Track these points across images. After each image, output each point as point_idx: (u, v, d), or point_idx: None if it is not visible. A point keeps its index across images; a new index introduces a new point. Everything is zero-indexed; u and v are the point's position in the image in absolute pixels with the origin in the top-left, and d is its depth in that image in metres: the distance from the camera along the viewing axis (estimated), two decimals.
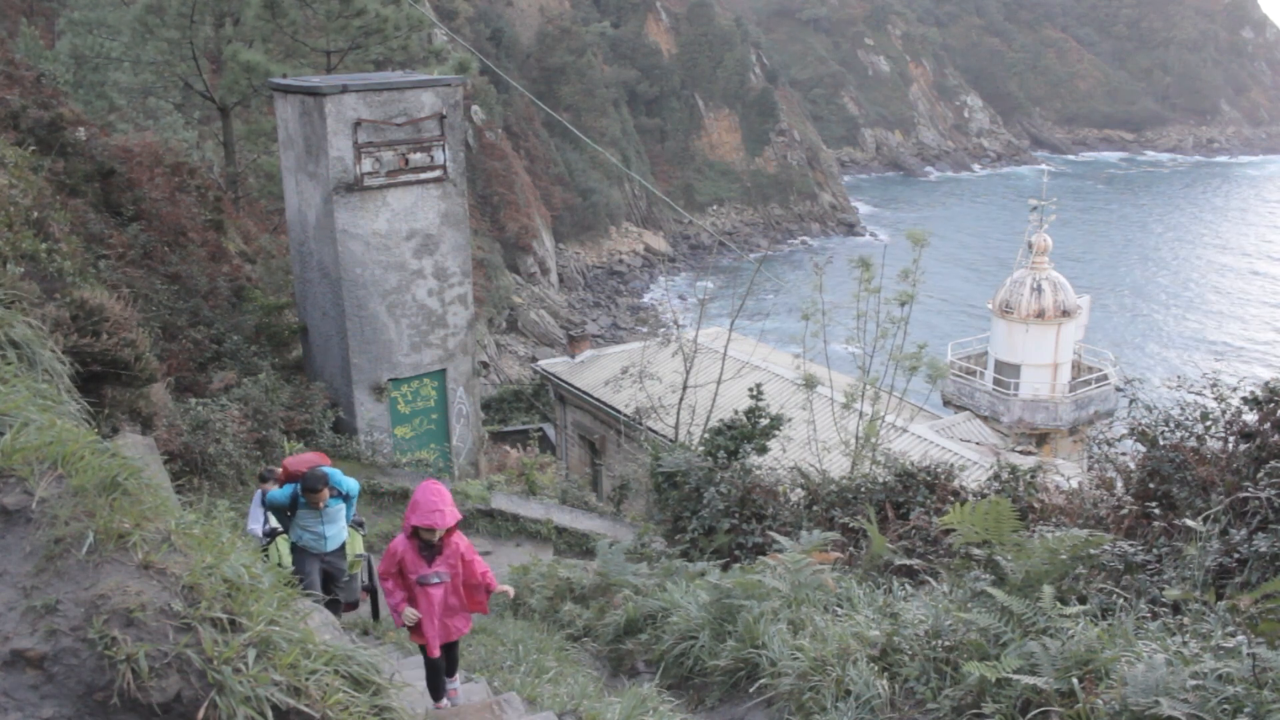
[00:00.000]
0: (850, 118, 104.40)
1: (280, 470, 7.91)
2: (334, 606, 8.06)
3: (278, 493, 7.62)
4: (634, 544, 9.76)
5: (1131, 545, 4.57)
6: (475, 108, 58.27)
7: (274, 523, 8.35)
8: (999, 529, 4.70)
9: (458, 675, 6.04)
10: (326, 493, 7.42)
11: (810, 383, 12.05)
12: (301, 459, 7.69)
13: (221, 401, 11.19)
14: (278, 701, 2.68)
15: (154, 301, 12.33)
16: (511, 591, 6.00)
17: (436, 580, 5.59)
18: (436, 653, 5.68)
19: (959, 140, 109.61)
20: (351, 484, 7.80)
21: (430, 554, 5.57)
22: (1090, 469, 7.35)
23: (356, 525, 8.22)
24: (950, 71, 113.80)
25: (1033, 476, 7.05)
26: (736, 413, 10.24)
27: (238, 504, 9.48)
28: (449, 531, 5.57)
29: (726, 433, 9.99)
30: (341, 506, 7.70)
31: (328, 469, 7.54)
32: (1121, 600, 4.13)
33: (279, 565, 8.08)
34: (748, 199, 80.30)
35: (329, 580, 7.86)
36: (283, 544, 8.30)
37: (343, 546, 7.93)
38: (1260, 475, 4.48)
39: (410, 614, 5.55)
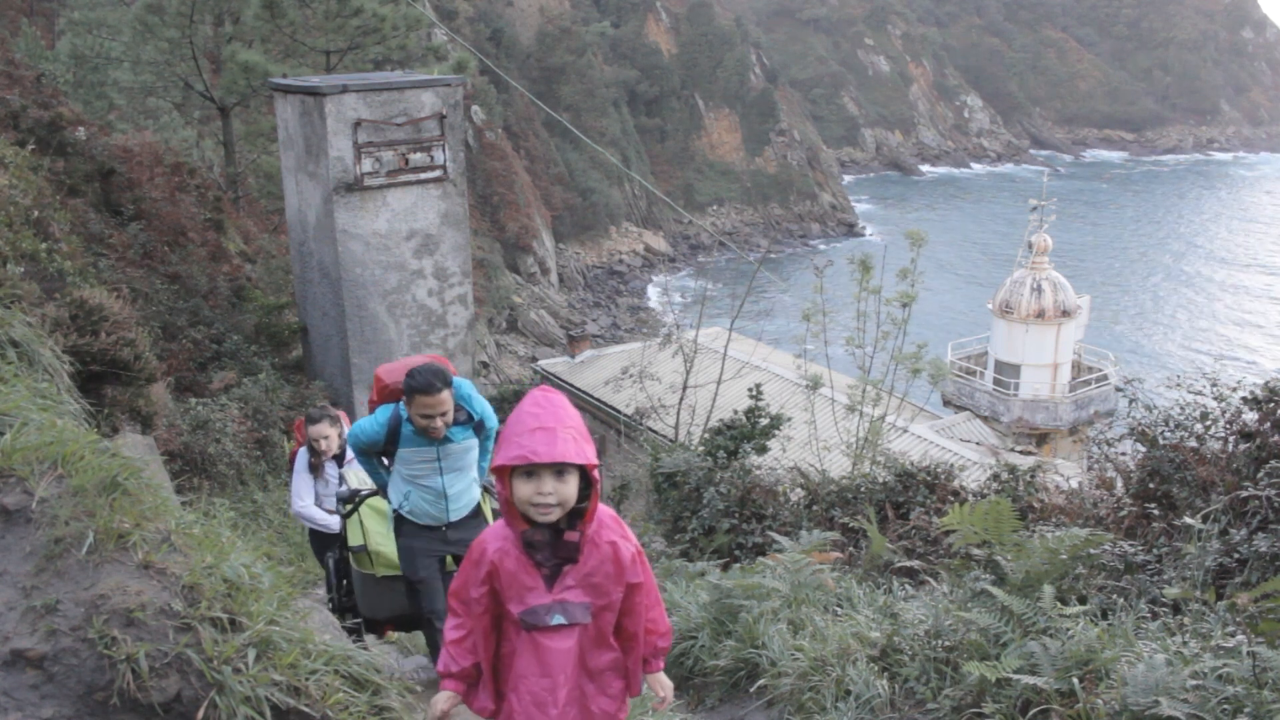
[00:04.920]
0: (850, 118, 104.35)
1: (367, 402, 4.87)
2: (338, 612, 5.44)
3: (366, 422, 4.62)
4: None
5: (1131, 545, 4.57)
6: (475, 108, 58.26)
7: (355, 481, 5.63)
8: (999, 529, 4.70)
9: None
10: (449, 398, 4.33)
11: (815, 384, 12.05)
12: (405, 362, 4.65)
13: (221, 401, 11.18)
14: (278, 701, 2.68)
15: (154, 301, 12.33)
16: (669, 699, 3.15)
17: (561, 621, 2.77)
18: None
19: (959, 140, 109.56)
20: (486, 406, 4.67)
21: (554, 561, 2.77)
22: (1090, 469, 7.35)
23: (484, 488, 4.98)
24: (950, 71, 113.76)
25: (1032, 476, 7.05)
26: (736, 413, 10.24)
27: (238, 504, 9.46)
28: (588, 511, 2.75)
29: (726, 433, 9.99)
30: (473, 442, 4.63)
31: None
32: (1121, 600, 4.13)
33: (363, 551, 5.26)
34: (748, 199, 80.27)
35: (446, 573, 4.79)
36: (373, 514, 5.33)
37: (476, 512, 4.83)
38: (1260, 475, 4.47)
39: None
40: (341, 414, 6.58)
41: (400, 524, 4.75)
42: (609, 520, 2.89)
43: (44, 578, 2.67)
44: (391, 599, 5.19)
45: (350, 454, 6.20)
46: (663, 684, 3.11)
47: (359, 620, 5.36)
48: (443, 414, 4.37)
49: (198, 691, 2.58)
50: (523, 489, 2.67)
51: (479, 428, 4.65)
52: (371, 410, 4.77)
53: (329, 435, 6.20)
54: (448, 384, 4.35)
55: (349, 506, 5.44)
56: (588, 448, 2.71)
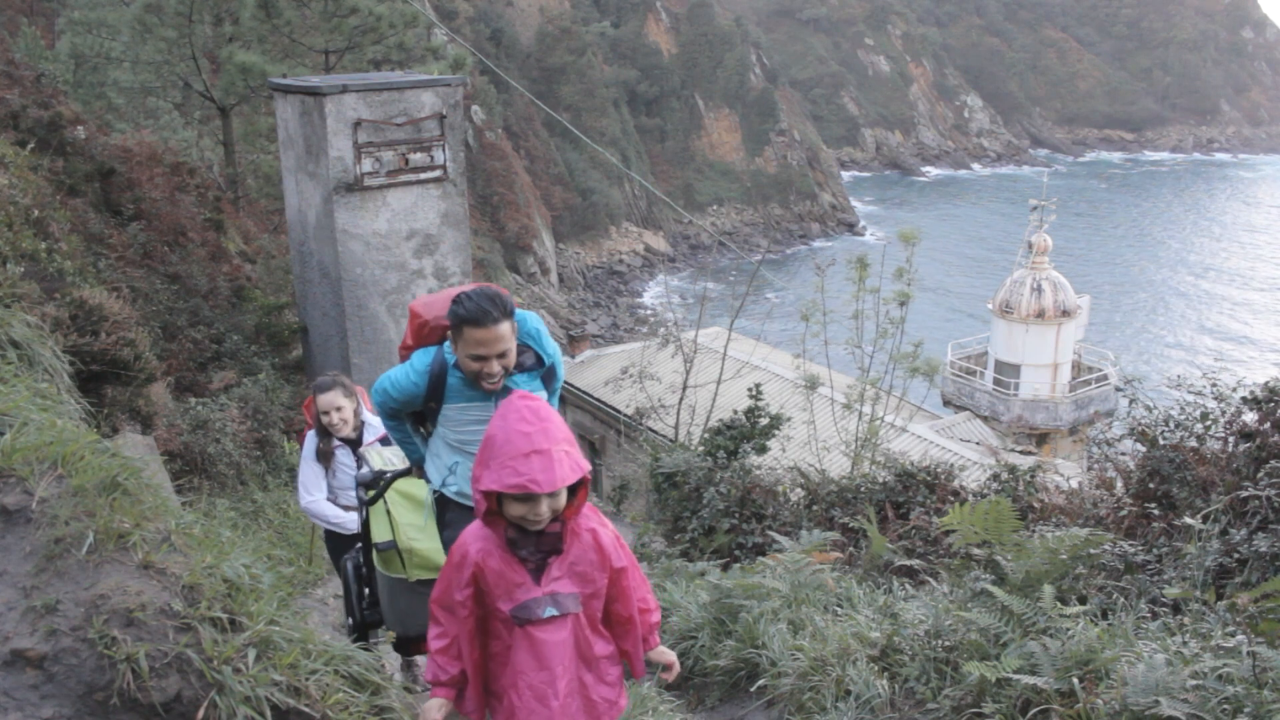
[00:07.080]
0: (850, 118, 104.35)
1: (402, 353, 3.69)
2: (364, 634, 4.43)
3: (398, 372, 3.55)
4: (634, 544, 9.76)
5: (1131, 545, 4.57)
6: (475, 108, 58.27)
7: (378, 461, 4.39)
8: (999, 529, 4.70)
9: None
10: (509, 334, 3.29)
11: (812, 384, 12.06)
12: (448, 293, 3.48)
13: (221, 401, 11.18)
14: (278, 701, 2.68)
15: (154, 301, 12.34)
16: (675, 667, 3.12)
17: (554, 612, 2.77)
18: None
19: (959, 140, 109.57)
20: (557, 349, 3.66)
21: (539, 555, 2.77)
22: (1090, 469, 7.35)
23: None
24: (950, 71, 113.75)
25: (1032, 476, 7.05)
26: (736, 413, 10.24)
27: (238, 504, 9.45)
28: (574, 504, 2.75)
29: (726, 433, 9.98)
30: (540, 396, 3.35)
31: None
32: (1121, 600, 4.13)
33: (392, 550, 4.14)
34: (748, 199, 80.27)
35: None
36: (404, 501, 4.16)
37: None
38: (1260, 475, 4.47)
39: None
40: (360, 390, 5.46)
41: (444, 509, 3.59)
42: (585, 509, 2.89)
43: (44, 578, 2.67)
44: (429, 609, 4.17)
45: (369, 435, 5.22)
46: (665, 656, 3.14)
47: (382, 639, 4.55)
48: (501, 355, 3.28)
49: (198, 691, 2.58)
50: (515, 509, 2.68)
51: (549, 375, 3.56)
52: (404, 358, 3.61)
53: (342, 405, 5.05)
54: (508, 313, 3.27)
55: (372, 493, 4.25)
56: (578, 456, 2.70)
